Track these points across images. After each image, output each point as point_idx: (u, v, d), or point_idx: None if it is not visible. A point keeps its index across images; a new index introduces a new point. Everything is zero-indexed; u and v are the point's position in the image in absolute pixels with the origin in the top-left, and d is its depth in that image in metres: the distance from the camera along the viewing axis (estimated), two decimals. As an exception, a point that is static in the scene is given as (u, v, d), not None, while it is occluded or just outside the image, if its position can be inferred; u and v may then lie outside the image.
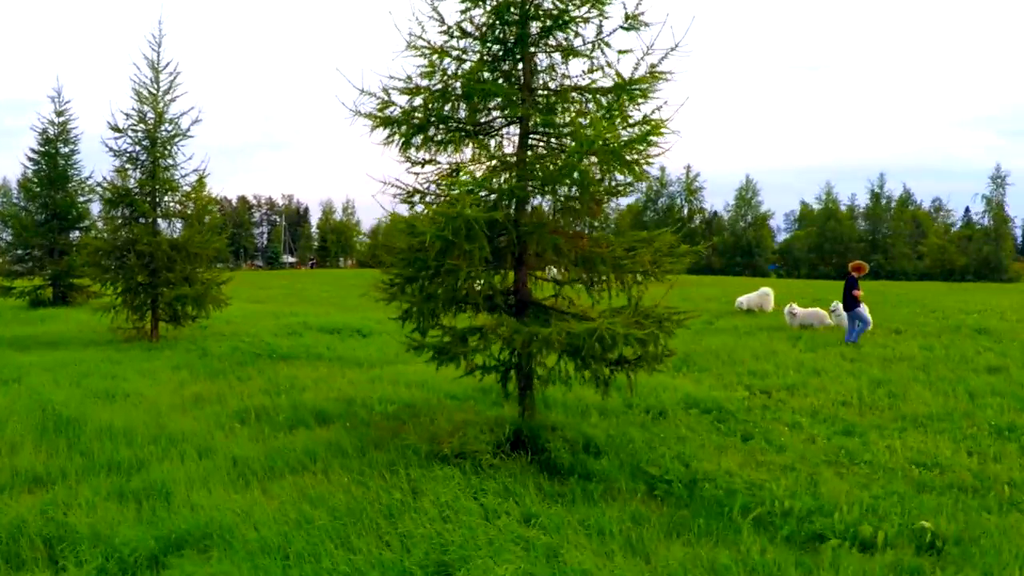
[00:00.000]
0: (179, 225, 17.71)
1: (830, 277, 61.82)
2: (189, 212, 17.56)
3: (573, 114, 8.30)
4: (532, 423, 8.46)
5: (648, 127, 7.58)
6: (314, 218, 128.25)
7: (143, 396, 11.18)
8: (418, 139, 8.36)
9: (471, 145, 8.68)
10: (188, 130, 17.53)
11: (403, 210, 9.04)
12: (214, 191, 18.77)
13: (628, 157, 7.58)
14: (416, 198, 9.03)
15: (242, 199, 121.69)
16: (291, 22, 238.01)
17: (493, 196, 7.63)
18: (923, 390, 12.00)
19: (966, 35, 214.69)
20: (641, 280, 8.16)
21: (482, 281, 7.91)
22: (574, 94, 8.37)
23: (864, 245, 70.53)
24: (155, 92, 17.48)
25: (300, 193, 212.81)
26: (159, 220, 17.62)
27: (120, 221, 17.72)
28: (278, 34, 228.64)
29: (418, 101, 8.29)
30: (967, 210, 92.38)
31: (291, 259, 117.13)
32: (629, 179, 8.12)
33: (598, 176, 7.94)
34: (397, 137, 8.50)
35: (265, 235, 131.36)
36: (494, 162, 8.50)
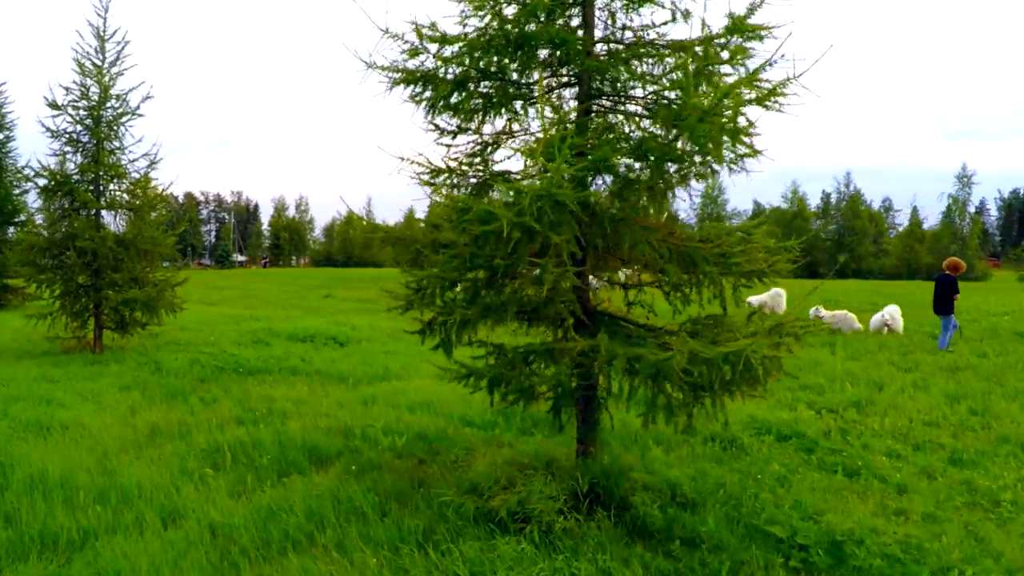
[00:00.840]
0: (126, 218, 15.28)
1: (796, 276, 60.95)
2: (138, 203, 15.15)
3: (648, 73, 6.38)
4: (603, 466, 6.53)
5: (764, 90, 5.68)
6: (265, 215, 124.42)
7: (85, 428, 8.94)
8: (456, 98, 6.36)
9: (507, 111, 6.74)
10: (138, 108, 15.12)
11: (413, 199, 7.07)
12: (161, 187, 16.37)
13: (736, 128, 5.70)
14: (442, 178, 7.08)
15: (189, 196, 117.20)
16: (233, 14, 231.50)
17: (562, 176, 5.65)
18: (1008, 405, 10.51)
19: (917, 41, 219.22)
20: (750, 283, 6.30)
21: (549, 285, 5.94)
22: (646, 49, 6.45)
23: (830, 244, 70.28)
24: (100, 64, 15.04)
25: (249, 190, 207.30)
26: (103, 212, 15.18)
27: (59, 213, 15.25)
28: (221, 28, 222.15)
29: (455, 49, 6.29)
30: (916, 210, 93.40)
31: (241, 258, 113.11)
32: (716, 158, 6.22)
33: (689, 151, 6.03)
34: (426, 96, 6.50)
35: (213, 233, 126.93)
36: (553, 131, 6.53)
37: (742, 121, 5.70)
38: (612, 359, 5.19)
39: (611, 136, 6.23)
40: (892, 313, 18.37)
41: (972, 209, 63.28)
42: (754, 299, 22.12)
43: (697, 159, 5.80)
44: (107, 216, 15.26)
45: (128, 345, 15.78)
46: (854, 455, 8.22)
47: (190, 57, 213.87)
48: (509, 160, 7.71)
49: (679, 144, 5.57)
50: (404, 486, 6.76)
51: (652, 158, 5.33)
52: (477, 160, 6.91)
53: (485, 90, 6.37)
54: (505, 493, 6.11)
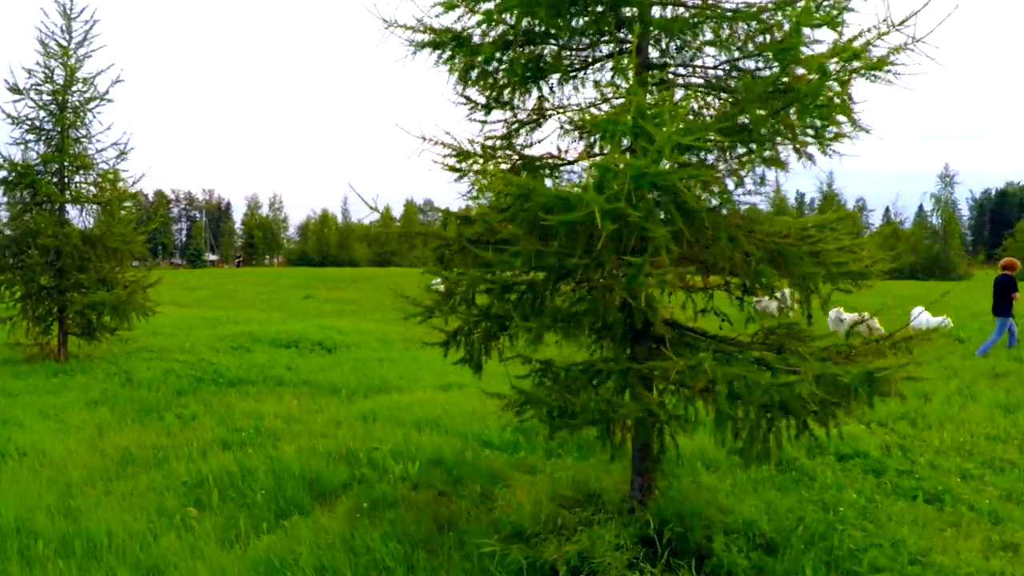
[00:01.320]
0: (93, 213, 13.98)
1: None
2: (106, 197, 13.85)
3: (723, 39, 5.37)
4: (674, 504, 5.48)
5: (872, 58, 4.67)
6: (237, 214, 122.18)
7: (46, 455, 7.73)
8: (495, 64, 5.29)
9: (564, 80, 5.70)
10: (106, 93, 13.82)
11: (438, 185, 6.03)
12: (131, 179, 15.07)
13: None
14: (468, 164, 6.04)
15: (159, 194, 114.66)
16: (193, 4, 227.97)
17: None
18: (1069, 416, 9.65)
19: None
20: (856, 286, 5.33)
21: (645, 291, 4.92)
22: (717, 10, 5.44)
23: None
24: (66, 44, 13.71)
25: (221, 188, 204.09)
26: (68, 207, 13.87)
27: (20, 208, 13.90)
28: (183, 21, 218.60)
29: (494, 3, 5.22)
30: (887, 210, 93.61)
31: (213, 257, 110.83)
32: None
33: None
34: (457, 63, 5.43)
35: (185, 232, 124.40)
36: (605, 107, 5.48)
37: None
38: (712, 382, 4.14)
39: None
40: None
41: (964, 209, 63.65)
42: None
43: (788, 138, 4.77)
44: (72, 211, 13.96)
45: (96, 352, 14.48)
46: (928, 477, 7.31)
47: (154, 53, 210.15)
48: (541, 144, 6.63)
49: (779, 121, 4.53)
50: (429, 529, 5.67)
51: (753, 136, 4.28)
52: (520, 139, 5.85)
53: (529, 55, 5.29)
54: (558, 540, 5.06)
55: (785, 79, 4.44)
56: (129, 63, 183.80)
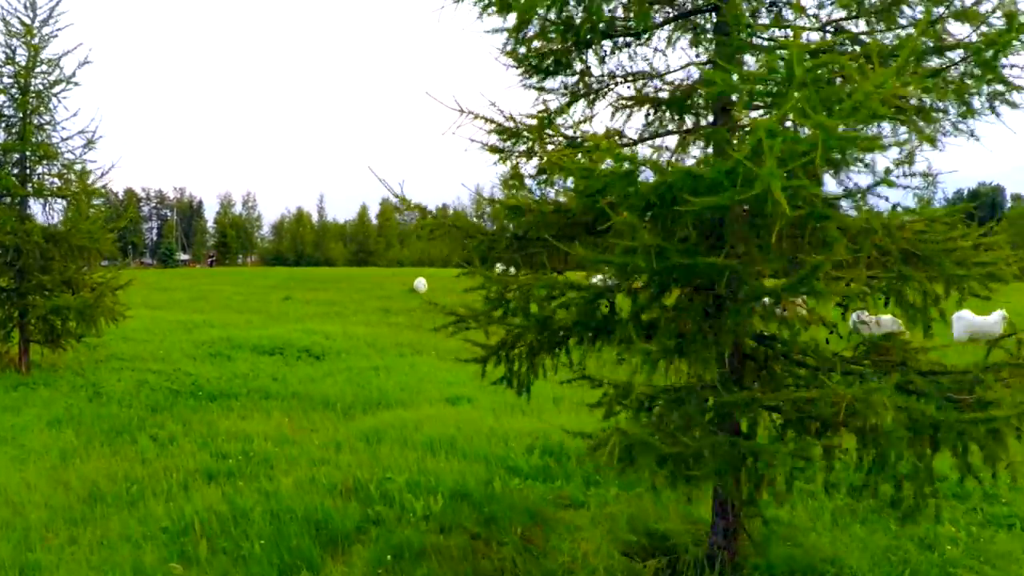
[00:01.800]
0: (59, 208, 12.72)
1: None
2: (72, 190, 12.58)
3: None
4: (785, 560, 4.49)
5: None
6: (210, 212, 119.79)
7: (2, 491, 6.56)
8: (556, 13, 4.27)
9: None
10: (73, 76, 12.54)
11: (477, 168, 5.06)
12: (100, 170, 13.80)
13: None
14: (512, 143, 5.06)
15: (129, 192, 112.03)
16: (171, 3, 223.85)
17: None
18: None
19: None
20: (992, 290, 4.38)
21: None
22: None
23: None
24: (29, 23, 12.43)
25: (193, 186, 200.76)
26: (30, 200, 12.60)
27: (-25, 203, 12.62)
28: (151, 15, 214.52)
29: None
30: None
31: (185, 256, 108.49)
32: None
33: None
34: (509, 16, 4.40)
35: (155, 231, 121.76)
36: (684, 74, 4.50)
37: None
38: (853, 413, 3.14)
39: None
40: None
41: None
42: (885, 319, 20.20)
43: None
44: (35, 206, 12.70)
45: (61, 362, 13.21)
46: (1014, 501, 6.41)
47: (122, 46, 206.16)
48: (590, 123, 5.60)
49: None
50: (470, 590, 4.62)
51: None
52: (576, 113, 4.83)
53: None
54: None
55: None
56: (98, 56, 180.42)
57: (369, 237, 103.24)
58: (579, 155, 3.82)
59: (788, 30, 4.44)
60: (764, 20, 4.56)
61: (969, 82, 3.52)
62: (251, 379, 11.85)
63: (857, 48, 4.12)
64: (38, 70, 12.40)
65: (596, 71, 4.77)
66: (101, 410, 9.80)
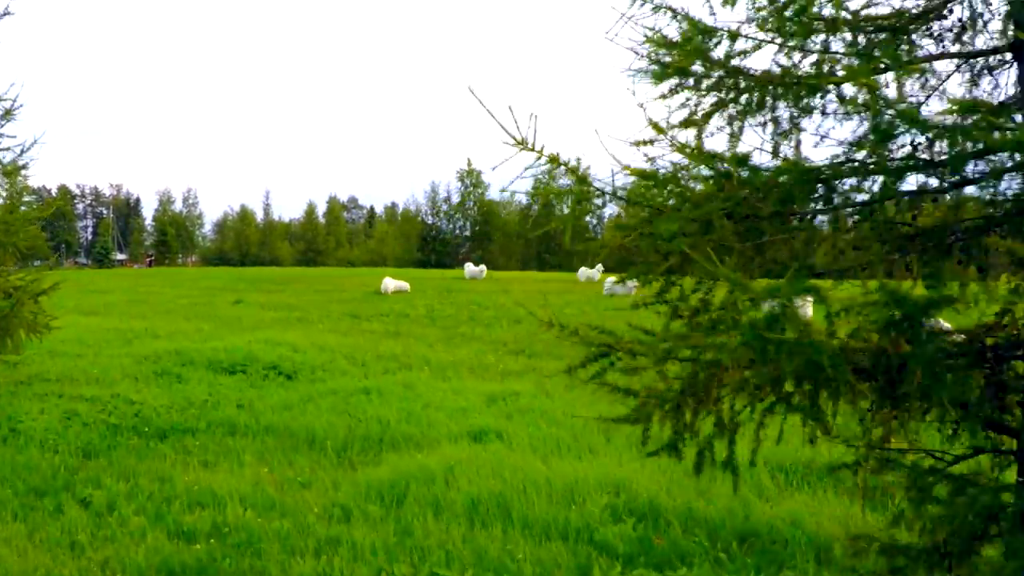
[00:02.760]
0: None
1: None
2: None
3: None
4: None
5: None
6: (148, 210, 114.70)
7: None
8: None
9: None
10: (-22, 28, 10.06)
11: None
12: (20, 148, 11.23)
13: None
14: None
15: (63, 189, 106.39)
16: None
17: None
18: None
19: None
20: None
21: None
22: None
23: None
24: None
25: (130, 182, 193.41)
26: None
27: None
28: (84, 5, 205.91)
29: None
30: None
31: (122, 256, 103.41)
32: None
33: None
34: None
35: (91, 229, 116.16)
36: None
37: None
38: None
39: None
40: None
41: None
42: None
43: None
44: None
45: (-33, 385, 10.65)
46: None
47: (52, 36, 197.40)
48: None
49: None
50: None
51: None
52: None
53: None
54: None
55: None
56: (28, 43, 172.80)
57: (318, 236, 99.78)
58: None
59: None
60: None
61: None
62: (211, 408, 9.51)
63: None
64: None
65: None
66: (17, 457, 7.40)
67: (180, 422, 8.84)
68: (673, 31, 3.36)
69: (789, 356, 2.66)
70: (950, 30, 3.27)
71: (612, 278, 26.29)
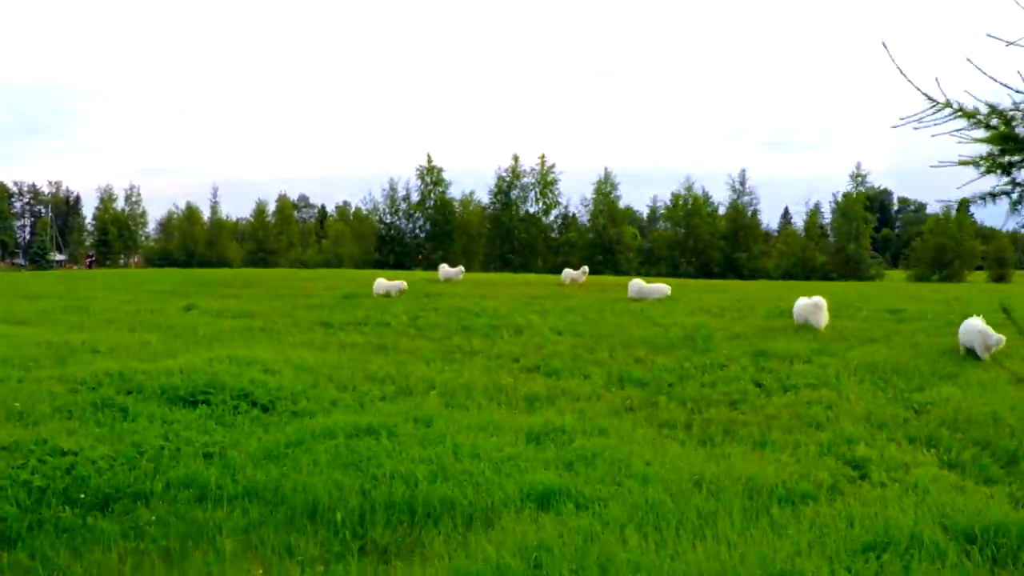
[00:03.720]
0: None
1: (690, 276, 57.99)
2: None
3: None
4: None
5: None
6: (88, 208, 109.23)
7: None
8: None
9: None
10: None
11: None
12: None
13: None
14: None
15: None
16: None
17: None
18: None
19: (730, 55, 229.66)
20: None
21: None
22: None
23: (725, 243, 67.54)
24: None
25: (70, 179, 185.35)
26: None
27: None
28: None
29: None
30: (799, 211, 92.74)
31: (61, 256, 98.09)
32: None
33: None
34: None
35: (28, 228, 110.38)
36: None
37: None
38: None
39: None
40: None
41: (827, 213, 63.91)
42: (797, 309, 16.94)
43: None
44: None
45: None
46: None
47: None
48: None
49: None
50: None
51: None
52: None
53: None
54: None
55: None
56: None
57: (269, 236, 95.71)
58: None
59: None
60: None
61: None
62: (168, 459, 7.20)
63: None
64: None
65: None
66: None
67: (127, 483, 6.55)
68: None
69: None
70: None
71: (639, 280, 24.29)
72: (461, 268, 34.82)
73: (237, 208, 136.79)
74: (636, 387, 11.18)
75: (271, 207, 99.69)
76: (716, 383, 11.27)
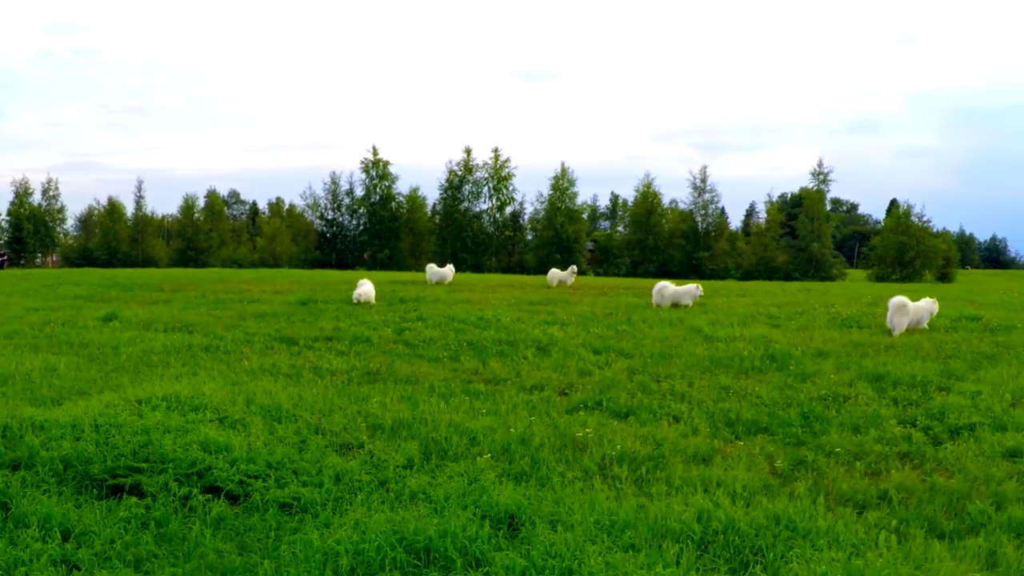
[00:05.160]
0: None
1: (650, 275, 55.54)
2: None
3: None
4: None
5: None
6: (2, 203, 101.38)
7: None
8: None
9: None
10: None
11: None
12: None
13: None
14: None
15: None
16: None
17: None
18: None
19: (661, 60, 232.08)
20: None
21: None
22: None
23: (687, 242, 65.30)
24: None
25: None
26: None
27: None
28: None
29: None
30: (750, 211, 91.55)
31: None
32: None
33: None
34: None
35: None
36: None
37: None
38: None
39: None
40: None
41: (763, 213, 62.31)
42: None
43: None
44: None
45: None
46: None
47: None
48: None
49: None
50: None
51: None
52: None
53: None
54: None
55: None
56: None
57: (199, 233, 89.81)
58: None
59: None
60: None
61: None
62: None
63: None
64: None
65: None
66: None
67: None
68: None
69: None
70: None
71: (667, 283, 20.66)
72: (451, 267, 31.05)
73: (163, 204, 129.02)
74: (758, 435, 8.01)
75: (200, 203, 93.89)
76: (859, 426, 8.19)
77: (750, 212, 78.99)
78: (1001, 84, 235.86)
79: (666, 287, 20.25)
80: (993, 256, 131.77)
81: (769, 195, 64.15)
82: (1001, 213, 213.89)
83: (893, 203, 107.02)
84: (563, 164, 71.73)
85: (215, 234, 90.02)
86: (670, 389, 9.88)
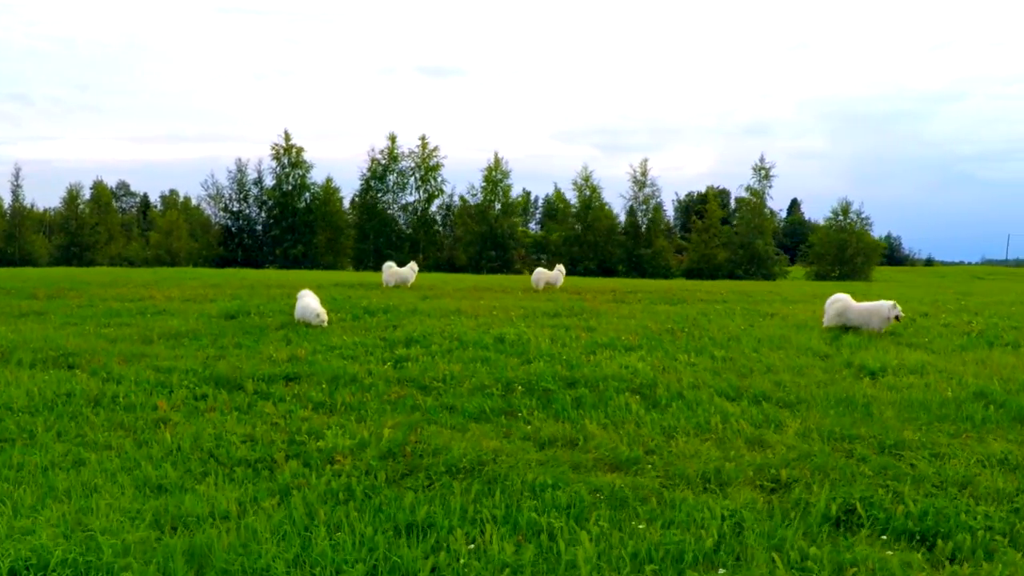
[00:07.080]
0: None
1: (591, 273, 52.00)
2: None
3: None
4: None
5: None
6: None
7: None
8: None
9: None
10: None
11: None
12: None
13: None
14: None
15: None
16: None
17: None
18: None
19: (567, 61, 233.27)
20: None
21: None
22: None
23: (627, 238, 61.82)
24: None
25: None
26: None
27: None
28: None
29: None
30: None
31: None
32: None
33: None
34: None
35: None
36: None
37: None
38: None
39: None
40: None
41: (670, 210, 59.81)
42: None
43: None
44: None
45: None
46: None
47: None
48: None
49: None
50: None
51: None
52: None
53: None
54: None
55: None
56: None
57: (84, 228, 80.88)
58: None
59: None
60: None
61: None
62: None
63: None
64: None
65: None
66: None
67: None
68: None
69: None
70: None
71: (846, 297, 15.05)
72: (414, 266, 24.83)
73: (46, 198, 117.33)
74: None
75: (86, 194, 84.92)
76: None
77: (656, 208, 75.77)
78: (885, 91, 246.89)
79: (849, 306, 13.38)
80: (888, 253, 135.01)
81: (676, 194, 61.72)
82: (888, 215, 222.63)
83: (794, 202, 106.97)
84: (496, 154, 66.94)
85: (103, 228, 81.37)
86: (938, 472, 5.71)
